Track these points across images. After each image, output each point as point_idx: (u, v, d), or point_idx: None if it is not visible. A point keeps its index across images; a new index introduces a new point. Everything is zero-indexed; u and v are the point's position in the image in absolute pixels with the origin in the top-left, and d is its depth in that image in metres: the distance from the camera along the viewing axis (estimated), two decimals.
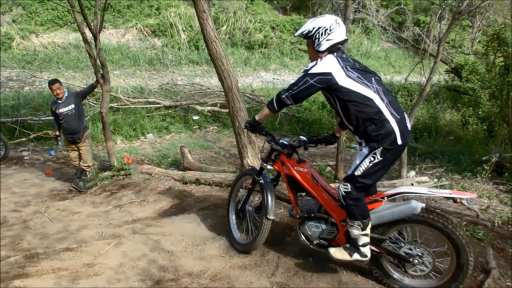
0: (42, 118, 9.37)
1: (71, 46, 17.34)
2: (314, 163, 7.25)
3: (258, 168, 3.67)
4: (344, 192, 2.95)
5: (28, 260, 3.70)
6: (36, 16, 18.49)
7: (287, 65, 19.80)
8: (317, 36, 2.94)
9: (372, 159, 2.82)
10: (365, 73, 2.90)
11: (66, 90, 6.12)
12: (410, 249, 3.03)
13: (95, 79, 6.26)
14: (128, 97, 10.45)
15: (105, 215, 4.92)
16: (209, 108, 10.49)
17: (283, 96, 2.94)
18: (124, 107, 10.04)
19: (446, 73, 10.77)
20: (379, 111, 2.78)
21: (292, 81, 2.98)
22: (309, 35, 2.99)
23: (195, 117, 10.33)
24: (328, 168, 6.83)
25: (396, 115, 2.80)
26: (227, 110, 10.24)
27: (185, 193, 5.41)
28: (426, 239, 3.29)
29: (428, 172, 7.12)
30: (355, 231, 2.98)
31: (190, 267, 3.61)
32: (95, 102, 9.82)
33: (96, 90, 6.70)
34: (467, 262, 2.88)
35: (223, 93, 11.24)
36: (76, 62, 15.91)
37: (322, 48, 2.95)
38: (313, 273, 3.46)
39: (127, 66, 16.33)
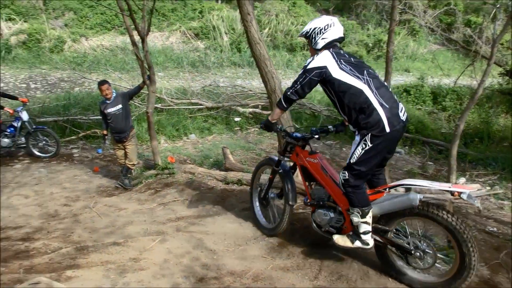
0: (91, 118, 9.74)
1: (118, 49, 18.01)
2: None
3: (276, 159, 3.95)
4: (343, 179, 3.14)
5: (78, 252, 3.86)
6: (86, 20, 19.36)
7: None
8: (313, 36, 3.25)
9: (364, 146, 3.00)
10: (357, 66, 3.10)
11: (114, 91, 6.33)
12: (412, 241, 3.12)
13: (141, 80, 6.43)
14: (172, 98, 10.68)
15: (150, 212, 5.04)
16: (250, 109, 10.53)
17: (288, 93, 3.25)
18: (168, 107, 10.28)
19: (500, 76, 10.23)
20: (368, 101, 2.96)
21: (294, 79, 3.25)
22: (307, 35, 3.29)
23: (237, 119, 10.40)
24: None
25: (385, 105, 2.96)
26: (269, 112, 10.34)
27: (227, 193, 5.46)
28: (433, 234, 3.24)
29: (480, 180, 6.79)
30: (355, 218, 3.14)
31: (232, 266, 3.63)
32: (140, 102, 10.11)
33: (142, 91, 6.89)
34: (470, 258, 2.88)
35: (264, 95, 11.31)
36: (122, 64, 16.49)
37: (319, 46, 3.25)
38: (357, 278, 3.38)
39: (170, 68, 16.74)
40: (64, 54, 17.10)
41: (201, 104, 10.54)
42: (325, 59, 3.11)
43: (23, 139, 7.99)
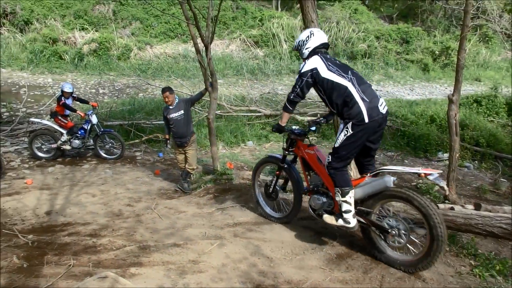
0: (154, 122, 10.13)
1: (180, 56, 18.70)
2: (420, 181, 6.81)
3: (279, 157, 4.50)
4: (327, 162, 3.66)
5: (141, 251, 4.00)
6: (151, 29, 20.34)
7: (392, 76, 18.98)
8: (299, 48, 3.81)
9: (346, 132, 3.47)
10: (343, 67, 3.59)
11: (177, 97, 6.52)
12: (390, 221, 3.57)
13: (202, 87, 6.57)
14: (231, 105, 10.86)
15: (208, 216, 5.12)
16: (309, 118, 10.43)
17: (292, 97, 3.75)
18: (227, 114, 10.46)
19: None
20: (351, 96, 3.42)
21: (293, 84, 3.75)
22: (297, 48, 3.87)
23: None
24: (436, 188, 6.34)
25: (366, 99, 3.41)
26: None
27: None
28: (409, 215, 3.78)
29: None
30: (337, 198, 3.64)
31: (289, 275, 3.59)
32: (200, 108, 10.38)
33: (203, 97, 7.02)
34: (439, 236, 3.27)
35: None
36: (184, 71, 17.09)
37: (304, 55, 3.79)
38: None
39: (230, 75, 17.08)
40: (130, 61, 18.04)
41: (259, 112, 10.61)
42: (315, 62, 3.61)
43: (91, 141, 8.46)
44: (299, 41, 3.83)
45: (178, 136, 6.43)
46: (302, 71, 3.64)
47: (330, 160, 3.62)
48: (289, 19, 20.52)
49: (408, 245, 3.56)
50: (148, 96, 13.95)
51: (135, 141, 9.55)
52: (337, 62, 3.66)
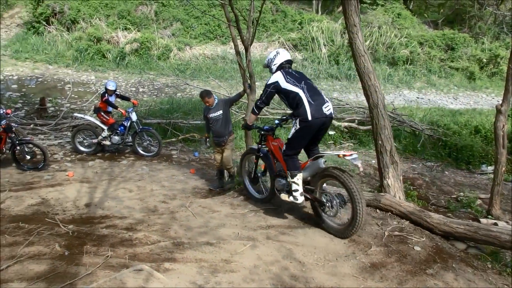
0: (190, 122, 10.28)
1: (219, 58, 18.91)
2: (461, 193, 6.56)
3: (256, 148, 5.25)
4: (282, 150, 4.60)
5: (175, 247, 4.06)
6: (191, 30, 20.68)
7: (434, 84, 18.41)
8: (269, 64, 4.69)
9: (295, 127, 4.31)
10: (298, 79, 4.42)
11: (216, 97, 6.61)
12: (326, 196, 4.43)
13: (239, 89, 6.62)
14: (267, 107, 10.85)
15: (242, 217, 5.13)
16: (346, 124, 10.29)
17: (258, 103, 4.66)
18: (263, 116, 10.46)
19: None
20: (301, 99, 4.24)
21: (261, 92, 4.59)
22: (267, 65, 4.75)
23: (331, 132, 10.22)
24: (479, 201, 6.09)
25: (312, 102, 4.21)
26: (365, 127, 10.02)
27: None
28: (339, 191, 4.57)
29: None
30: (288, 179, 4.53)
31: (321, 281, 3.54)
32: (237, 110, 10.43)
33: (241, 99, 7.08)
34: (357, 212, 4.02)
35: (361, 109, 10.99)
36: (222, 72, 17.26)
37: (273, 70, 4.62)
38: None
39: (267, 78, 17.10)
40: (170, 61, 18.42)
41: None
42: (277, 77, 4.46)
43: (130, 138, 8.69)
44: (268, 60, 4.70)
45: (217, 135, 6.57)
46: (268, 83, 4.53)
47: (284, 148, 4.56)
48: (329, 23, 20.33)
49: (339, 215, 4.43)
50: (186, 96, 14.18)
51: (172, 139, 9.72)
52: (295, 74, 4.49)
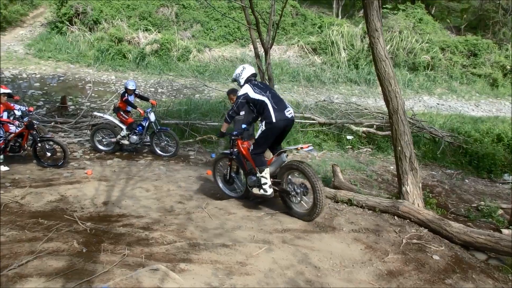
0: (208, 123, 10.30)
1: (238, 60, 18.96)
2: (482, 202, 6.42)
3: (228, 152, 5.77)
4: (250, 149, 5.21)
5: (191, 248, 4.07)
6: (211, 32, 20.78)
7: (455, 90, 18.08)
8: (237, 79, 5.26)
9: (262, 129, 4.94)
10: (264, 89, 5.05)
11: None
12: (291, 186, 5.08)
13: None
14: None
15: (257, 220, 5.12)
16: (364, 129, 10.18)
17: (230, 113, 5.21)
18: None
19: None
20: (267, 107, 4.89)
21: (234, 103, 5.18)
22: (235, 79, 5.33)
23: (349, 137, 10.12)
24: (500, 211, 5.94)
25: (275, 107, 4.88)
26: (384, 133, 9.90)
27: (336, 212, 5.30)
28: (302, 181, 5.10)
29: None
30: (258, 174, 5.11)
31: (336, 287, 3.49)
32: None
33: None
34: (318, 198, 4.66)
35: (380, 115, 10.87)
36: None
37: (241, 83, 5.22)
38: None
39: (285, 82, 17.07)
40: (189, 62, 18.54)
41: (313, 119, 10.50)
42: (246, 89, 5.06)
43: (148, 138, 8.75)
44: (236, 74, 5.28)
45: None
46: (239, 94, 5.12)
47: (252, 148, 5.17)
48: (349, 27, 20.19)
49: (302, 202, 5.04)
50: (204, 98, 14.25)
51: (189, 140, 9.76)
52: (261, 85, 5.15)
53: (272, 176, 5.17)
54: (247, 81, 5.16)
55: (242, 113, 6.47)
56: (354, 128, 10.23)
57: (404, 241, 4.47)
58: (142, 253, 3.91)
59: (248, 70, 5.21)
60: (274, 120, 4.82)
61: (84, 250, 3.92)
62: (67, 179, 6.66)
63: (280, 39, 20.14)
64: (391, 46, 18.73)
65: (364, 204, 5.36)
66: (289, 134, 9.85)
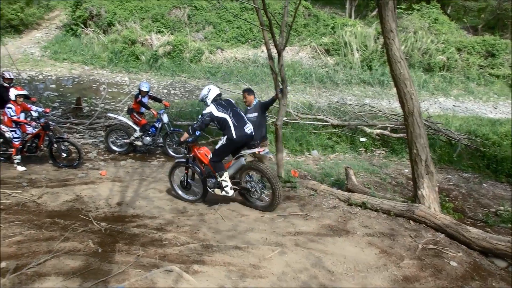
0: None
1: (250, 61, 18.94)
2: (501, 207, 6.29)
3: (184, 161, 6.04)
4: (210, 157, 5.63)
5: (204, 250, 4.08)
6: (223, 34, 20.81)
7: (473, 92, 17.76)
8: (204, 99, 5.68)
9: (223, 142, 5.45)
10: (226, 107, 5.51)
11: (257, 100, 6.65)
12: (251, 184, 5.66)
13: (271, 93, 6.60)
14: (298, 112, 10.78)
15: (270, 222, 5.10)
16: (378, 131, 10.07)
17: (195, 126, 5.52)
18: (293, 121, 10.40)
19: None
20: (228, 124, 5.38)
21: (198, 118, 5.55)
22: (202, 100, 5.74)
23: (362, 139, 10.02)
24: None
25: (236, 125, 5.38)
26: (398, 135, 9.79)
27: (350, 215, 5.25)
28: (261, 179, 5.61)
29: None
30: (218, 178, 5.54)
31: None
32: (268, 114, 10.38)
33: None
34: (276, 192, 5.33)
35: (394, 116, 10.76)
36: (252, 76, 17.26)
37: (208, 103, 5.60)
38: None
39: (297, 83, 17.00)
40: (201, 64, 18.60)
41: (326, 121, 10.43)
42: (211, 108, 5.50)
43: (161, 139, 8.78)
44: (203, 95, 5.70)
45: None
46: (204, 113, 5.54)
47: (211, 156, 5.63)
48: (362, 28, 20.02)
49: (264, 196, 5.66)
50: None
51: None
52: (224, 104, 5.60)
53: (231, 177, 5.66)
54: (213, 101, 5.61)
55: (254, 114, 6.48)
56: (367, 130, 10.14)
57: (420, 246, 4.41)
58: (156, 254, 3.93)
59: (213, 91, 5.69)
60: (234, 136, 5.37)
61: (99, 250, 3.96)
62: (82, 180, 6.73)
63: (293, 40, 20.06)
64: (405, 46, 18.51)
65: (378, 208, 5.29)
66: (301, 136, 9.96)
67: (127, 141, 8.60)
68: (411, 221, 5.01)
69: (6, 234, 4.23)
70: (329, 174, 7.88)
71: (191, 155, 6.00)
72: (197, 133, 5.91)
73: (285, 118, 10.23)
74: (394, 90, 5.42)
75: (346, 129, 10.28)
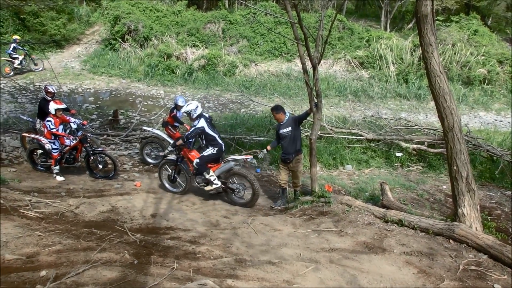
0: (254, 138, 10.32)
1: (283, 75, 18.95)
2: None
3: (174, 159, 7.06)
4: (195, 162, 6.70)
5: (237, 264, 4.05)
6: (257, 47, 20.96)
7: None
8: (190, 114, 6.67)
9: (212, 151, 6.67)
10: (214, 126, 6.84)
11: (288, 114, 6.74)
12: (235, 184, 6.87)
13: (305, 106, 6.60)
14: (332, 126, 10.65)
15: (304, 238, 5.02)
16: (414, 145, 9.79)
17: (188, 135, 6.56)
18: (327, 135, 10.28)
19: None
20: (216, 140, 6.70)
21: (189, 131, 6.69)
22: (188, 114, 6.71)
23: (398, 154, 9.76)
24: None
25: (220, 142, 6.75)
26: (436, 150, 9.49)
27: (386, 232, 5.08)
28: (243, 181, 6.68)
29: None
30: (206, 176, 6.69)
31: None
32: (301, 128, 10.31)
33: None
34: (255, 192, 6.64)
35: (432, 131, 10.44)
36: (286, 89, 17.25)
37: (193, 117, 6.66)
38: None
39: (331, 96, 16.84)
40: (235, 77, 18.77)
41: (361, 135, 10.25)
42: (202, 124, 6.57)
43: None
44: (190, 110, 6.63)
45: (284, 152, 6.70)
46: (197, 126, 6.56)
47: (198, 161, 6.66)
48: (398, 40, 19.66)
49: (246, 195, 6.81)
50: (249, 112, 14.35)
51: (235, 155, 9.80)
52: (211, 122, 6.87)
53: (219, 177, 6.78)
54: (199, 116, 6.63)
55: (288, 129, 6.58)
56: (403, 145, 9.88)
57: (461, 267, 4.21)
58: (190, 267, 3.93)
59: (199, 108, 6.69)
60: (223, 149, 6.78)
61: (135, 262, 4.00)
62: (118, 190, 6.89)
63: (327, 53, 19.93)
64: (444, 59, 17.99)
65: (416, 226, 5.10)
66: (336, 150, 9.81)
67: (161, 153, 8.75)
68: (451, 241, 4.79)
69: (46, 243, 4.35)
70: (363, 190, 7.72)
71: (181, 155, 7.00)
72: (190, 140, 6.86)
73: (319, 132, 10.13)
74: (432, 104, 5.28)
75: (381, 143, 10.06)
